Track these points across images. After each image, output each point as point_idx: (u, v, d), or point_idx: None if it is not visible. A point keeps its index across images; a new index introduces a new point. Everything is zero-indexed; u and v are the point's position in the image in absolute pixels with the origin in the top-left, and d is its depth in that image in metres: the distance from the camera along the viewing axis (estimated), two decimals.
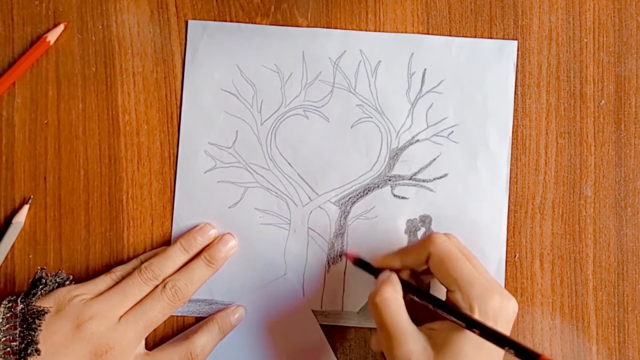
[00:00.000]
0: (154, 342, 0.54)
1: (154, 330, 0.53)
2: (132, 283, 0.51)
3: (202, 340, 0.52)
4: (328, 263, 0.54)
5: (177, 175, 0.54)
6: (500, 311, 0.45)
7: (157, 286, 0.51)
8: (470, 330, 0.44)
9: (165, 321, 0.53)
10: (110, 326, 0.49)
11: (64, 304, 0.49)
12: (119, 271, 0.52)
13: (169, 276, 0.52)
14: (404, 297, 0.47)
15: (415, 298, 0.48)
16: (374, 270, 0.50)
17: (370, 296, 0.47)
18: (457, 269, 0.46)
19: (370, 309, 0.47)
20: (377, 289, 0.47)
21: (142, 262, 0.53)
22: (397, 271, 0.50)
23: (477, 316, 0.45)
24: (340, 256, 0.54)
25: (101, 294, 0.51)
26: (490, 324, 0.45)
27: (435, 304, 0.47)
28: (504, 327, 0.46)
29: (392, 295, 0.46)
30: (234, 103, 0.55)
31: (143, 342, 0.52)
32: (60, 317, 0.49)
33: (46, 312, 0.49)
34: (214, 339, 0.53)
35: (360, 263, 0.51)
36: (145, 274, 0.51)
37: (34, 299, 0.50)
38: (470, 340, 0.45)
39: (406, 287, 0.48)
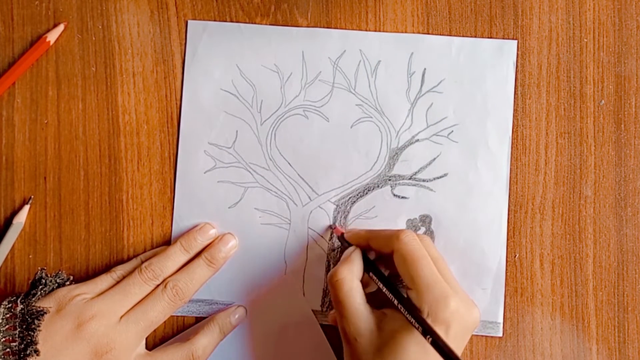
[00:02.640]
0: (154, 342, 0.54)
1: (155, 330, 0.53)
2: (133, 283, 0.51)
3: (204, 341, 0.52)
4: (328, 263, 0.54)
5: (177, 175, 0.54)
6: (454, 318, 0.45)
7: (157, 286, 0.51)
8: (422, 334, 0.44)
9: (165, 321, 0.53)
10: (110, 326, 0.49)
11: (64, 304, 0.49)
12: (120, 271, 0.52)
13: (169, 276, 0.52)
14: (369, 276, 0.49)
15: (375, 280, 0.48)
16: (348, 244, 0.52)
17: (329, 275, 0.49)
18: (418, 268, 0.46)
19: (329, 287, 0.49)
20: (335, 268, 0.49)
21: (142, 262, 0.53)
22: (367, 249, 0.51)
23: (426, 319, 0.45)
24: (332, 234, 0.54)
25: (102, 293, 0.51)
26: (441, 329, 0.45)
27: (393, 294, 0.47)
28: (458, 335, 0.46)
29: (347, 276, 0.48)
30: (233, 103, 0.55)
31: (143, 341, 0.52)
32: (61, 316, 0.49)
33: (46, 313, 0.49)
34: (215, 340, 0.53)
35: (342, 239, 0.53)
36: (146, 273, 0.51)
37: (33, 299, 0.50)
38: (417, 341, 0.45)
39: (368, 268, 0.49)
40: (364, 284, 0.49)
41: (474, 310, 0.47)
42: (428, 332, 0.43)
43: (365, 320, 0.47)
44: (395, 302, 0.46)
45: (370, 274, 0.49)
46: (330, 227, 0.54)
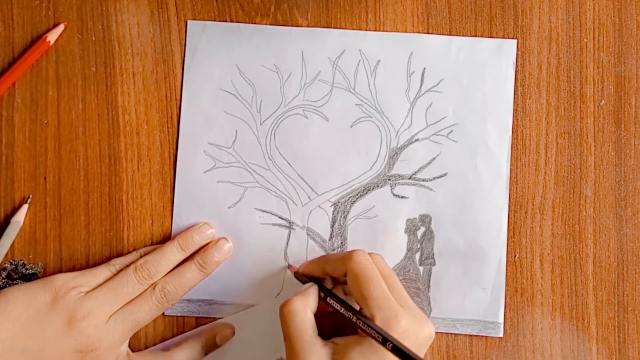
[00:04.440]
0: (153, 343, 0.54)
1: (154, 330, 0.53)
2: (127, 282, 0.51)
3: (181, 356, 0.52)
4: None
5: (177, 175, 0.55)
6: (406, 336, 0.45)
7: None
8: (381, 344, 0.44)
9: (164, 321, 0.53)
10: (99, 325, 0.49)
11: (60, 295, 0.50)
12: (118, 264, 0.53)
13: (164, 275, 0.52)
14: (326, 302, 0.48)
15: (333, 304, 0.48)
16: (305, 282, 0.51)
17: (280, 306, 0.48)
18: (369, 289, 0.46)
19: (280, 319, 0.47)
20: (287, 299, 0.47)
21: (141, 256, 0.53)
22: (322, 279, 0.50)
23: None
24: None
25: (98, 286, 0.51)
26: None
27: (351, 312, 0.47)
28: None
29: (300, 308, 0.47)
30: (233, 103, 0.55)
31: (127, 341, 0.52)
32: (54, 310, 0.49)
33: None
34: (195, 357, 0.52)
35: (297, 275, 0.52)
36: (141, 272, 0.51)
37: None
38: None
39: (326, 293, 0.49)
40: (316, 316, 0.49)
41: (425, 326, 0.47)
42: (387, 339, 0.43)
43: (317, 353, 0.46)
44: (354, 318, 0.46)
45: (328, 299, 0.49)
46: (287, 266, 0.54)
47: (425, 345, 0.47)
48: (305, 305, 0.47)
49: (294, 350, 0.46)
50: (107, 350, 0.50)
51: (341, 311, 0.47)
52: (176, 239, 0.53)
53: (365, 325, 0.45)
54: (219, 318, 0.54)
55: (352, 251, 0.48)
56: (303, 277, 0.52)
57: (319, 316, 0.48)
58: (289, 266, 0.54)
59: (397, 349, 0.43)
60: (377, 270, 0.47)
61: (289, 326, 0.46)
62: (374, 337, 0.44)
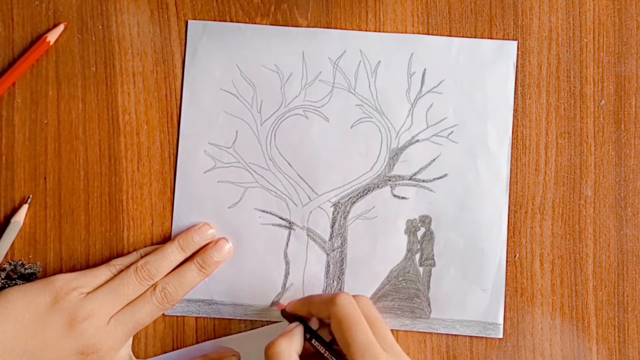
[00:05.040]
0: (153, 343, 0.54)
1: (154, 330, 0.53)
2: (127, 283, 0.51)
3: None
4: (328, 263, 0.54)
5: (177, 175, 0.54)
6: None
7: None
8: None
9: (164, 321, 0.54)
10: (100, 327, 0.50)
11: (60, 297, 0.50)
12: (118, 264, 0.53)
13: (164, 276, 0.52)
14: (311, 343, 0.49)
15: (318, 347, 0.48)
16: (291, 320, 0.51)
17: (265, 347, 0.48)
18: (352, 334, 0.46)
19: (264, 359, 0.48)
20: (272, 341, 0.48)
21: (141, 256, 0.53)
22: (308, 319, 0.51)
23: None
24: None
25: (98, 287, 0.51)
26: None
27: (335, 356, 0.47)
28: None
29: (285, 349, 0.47)
30: (233, 103, 0.55)
31: (130, 341, 0.52)
32: (54, 311, 0.49)
33: None
34: None
35: (284, 313, 0.53)
36: (141, 273, 0.51)
37: None
38: None
39: (311, 336, 0.49)
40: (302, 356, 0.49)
41: None
42: None
43: None
44: None
45: (313, 341, 0.49)
46: (276, 304, 0.54)
47: None
48: (290, 347, 0.48)
49: None
50: (107, 352, 0.50)
51: (325, 355, 0.48)
52: (176, 240, 0.53)
53: None
54: (219, 318, 0.54)
55: (336, 295, 0.48)
56: (290, 315, 0.52)
57: (304, 357, 0.48)
58: (277, 304, 0.54)
59: None
60: (361, 315, 0.47)
61: None
62: None
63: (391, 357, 0.46)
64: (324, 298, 0.50)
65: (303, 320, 0.50)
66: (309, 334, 0.49)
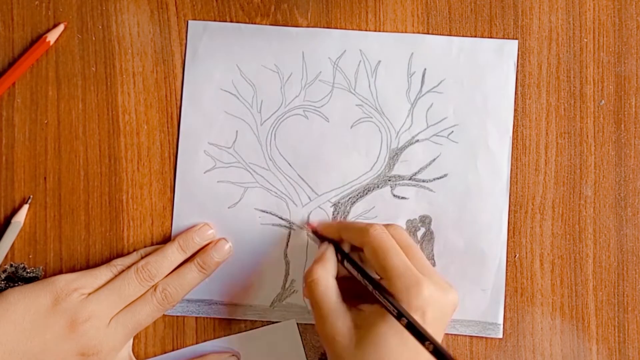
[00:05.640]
0: (153, 343, 0.54)
1: (154, 330, 0.53)
2: (128, 284, 0.51)
3: None
4: None
5: (177, 175, 0.54)
6: (429, 303, 0.45)
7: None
8: (396, 318, 0.44)
9: (165, 322, 0.54)
10: (101, 328, 0.50)
11: (62, 298, 0.50)
12: (119, 264, 0.53)
13: (164, 277, 0.52)
14: (343, 266, 0.49)
15: (350, 269, 0.48)
16: (322, 240, 0.52)
17: (304, 275, 0.49)
18: (387, 259, 0.46)
19: (304, 287, 0.49)
20: (309, 268, 0.48)
21: (141, 257, 0.53)
22: (340, 241, 0.51)
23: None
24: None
25: (99, 287, 0.51)
26: (416, 315, 0.44)
27: (368, 280, 0.47)
28: (436, 319, 0.45)
29: (322, 275, 0.48)
30: (233, 103, 0.55)
31: (130, 342, 0.52)
32: (55, 312, 0.49)
33: None
34: None
35: (315, 233, 0.53)
36: (142, 273, 0.51)
37: None
38: (396, 331, 0.45)
39: (343, 258, 0.49)
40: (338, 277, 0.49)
41: (449, 293, 0.47)
42: (402, 315, 0.43)
43: (342, 318, 0.47)
44: (370, 287, 0.46)
45: (345, 263, 0.49)
46: (306, 224, 0.54)
47: (449, 313, 0.47)
48: (326, 272, 0.48)
49: (320, 316, 0.47)
50: (108, 353, 0.50)
51: (358, 278, 0.48)
52: (176, 240, 0.53)
53: (383, 298, 0.45)
54: (219, 318, 0.54)
55: (369, 225, 0.48)
56: (321, 236, 0.52)
57: (342, 280, 0.49)
58: (308, 224, 0.54)
59: (411, 325, 0.43)
60: (395, 242, 0.48)
61: (314, 295, 0.47)
62: (389, 311, 0.44)
63: (429, 279, 0.46)
64: (357, 226, 0.50)
65: (335, 242, 0.51)
66: (341, 256, 0.49)
